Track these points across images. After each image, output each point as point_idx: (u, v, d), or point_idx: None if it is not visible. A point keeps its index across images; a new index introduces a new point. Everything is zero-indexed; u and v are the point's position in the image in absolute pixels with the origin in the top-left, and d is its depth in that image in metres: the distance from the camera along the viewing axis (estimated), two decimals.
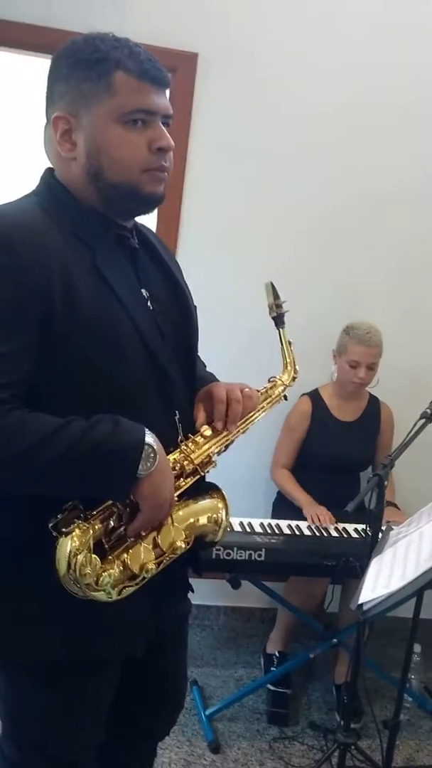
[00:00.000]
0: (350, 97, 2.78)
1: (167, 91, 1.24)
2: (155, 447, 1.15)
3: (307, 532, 2.49)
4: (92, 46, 1.18)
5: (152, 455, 1.14)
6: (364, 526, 2.44)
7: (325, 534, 2.50)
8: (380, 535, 1.98)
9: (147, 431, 1.15)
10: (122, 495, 1.16)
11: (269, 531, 2.46)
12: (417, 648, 2.69)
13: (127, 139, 1.18)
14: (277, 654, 2.77)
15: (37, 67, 2.68)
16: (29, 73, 2.95)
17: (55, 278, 1.11)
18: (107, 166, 1.19)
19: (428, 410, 2.04)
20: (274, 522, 2.54)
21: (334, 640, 2.56)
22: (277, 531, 2.47)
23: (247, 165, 2.79)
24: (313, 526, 2.52)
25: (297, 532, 2.48)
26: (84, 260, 1.17)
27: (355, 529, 2.53)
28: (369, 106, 2.80)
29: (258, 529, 2.46)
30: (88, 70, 1.17)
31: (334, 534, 2.50)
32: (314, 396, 2.80)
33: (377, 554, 1.79)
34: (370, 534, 1.99)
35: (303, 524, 2.53)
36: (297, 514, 2.64)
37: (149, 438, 1.14)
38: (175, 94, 2.56)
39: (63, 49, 1.21)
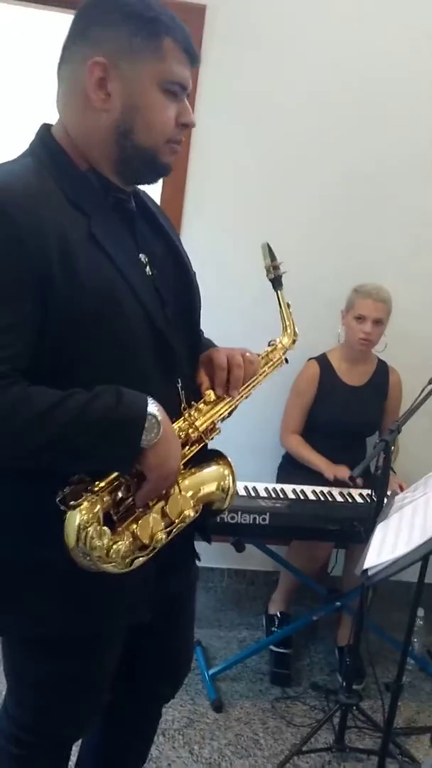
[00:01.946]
0: (366, 57, 2.70)
1: None
2: (159, 417, 1.12)
3: (311, 497, 2.49)
4: (144, 4, 1.15)
5: (156, 425, 1.11)
6: (369, 491, 2.43)
7: (330, 498, 2.49)
8: (385, 500, 1.98)
9: (150, 400, 1.13)
10: (126, 467, 1.14)
11: (274, 495, 2.45)
12: (420, 612, 2.71)
13: (165, 107, 1.18)
14: (278, 615, 2.80)
15: (39, 20, 2.63)
16: (28, 26, 2.89)
17: (52, 248, 1.08)
18: (140, 127, 1.17)
19: None
20: (278, 486, 2.53)
21: (338, 603, 2.58)
22: (281, 495, 2.46)
23: (256, 125, 2.73)
24: (317, 491, 2.51)
25: (301, 497, 2.48)
26: (80, 227, 1.13)
27: (360, 494, 2.52)
28: (385, 69, 2.72)
29: (263, 494, 2.45)
30: (140, 26, 1.14)
31: (339, 499, 2.50)
32: (322, 360, 2.78)
33: (382, 519, 1.79)
34: (375, 499, 1.98)
35: (308, 489, 2.53)
36: (303, 478, 2.64)
37: (152, 408, 1.12)
38: None
39: None
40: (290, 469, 2.79)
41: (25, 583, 1.21)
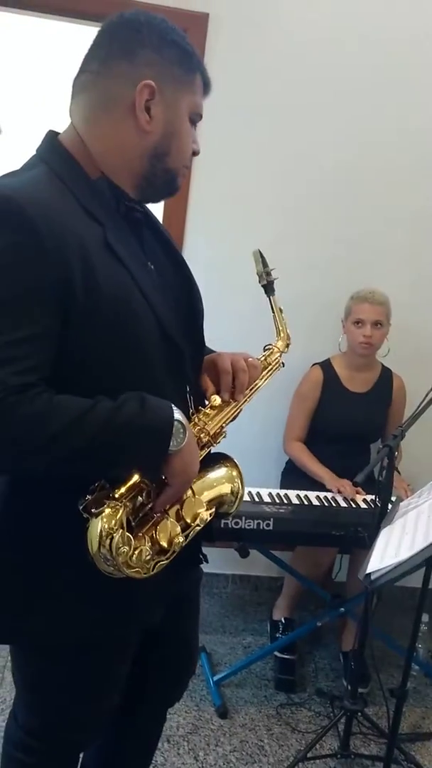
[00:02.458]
0: (366, 60, 2.72)
1: None
2: (184, 423, 1.15)
3: (315, 502, 2.49)
4: (183, 36, 1.22)
5: (182, 431, 1.14)
6: (372, 497, 2.43)
7: (334, 504, 2.49)
8: (389, 505, 1.98)
9: (174, 407, 1.15)
10: (153, 473, 1.15)
11: (278, 501, 2.46)
12: (425, 617, 2.71)
13: (190, 135, 1.27)
14: (282, 620, 2.79)
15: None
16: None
17: (73, 256, 1.08)
18: (174, 151, 1.24)
19: None
20: (282, 492, 2.54)
21: (342, 609, 2.57)
22: (285, 501, 2.47)
23: (258, 133, 2.74)
24: (321, 496, 2.52)
25: (305, 502, 2.48)
26: (95, 235, 1.15)
27: (364, 500, 2.53)
28: (388, 71, 2.73)
29: (267, 499, 2.46)
30: (180, 58, 1.21)
31: (343, 504, 2.50)
32: (326, 366, 2.78)
33: (386, 525, 1.79)
34: (379, 504, 1.98)
35: (311, 494, 2.53)
36: (306, 483, 2.64)
37: (178, 414, 1.14)
38: None
39: (152, 19, 1.20)
40: (294, 474, 2.79)
41: (39, 591, 1.21)
